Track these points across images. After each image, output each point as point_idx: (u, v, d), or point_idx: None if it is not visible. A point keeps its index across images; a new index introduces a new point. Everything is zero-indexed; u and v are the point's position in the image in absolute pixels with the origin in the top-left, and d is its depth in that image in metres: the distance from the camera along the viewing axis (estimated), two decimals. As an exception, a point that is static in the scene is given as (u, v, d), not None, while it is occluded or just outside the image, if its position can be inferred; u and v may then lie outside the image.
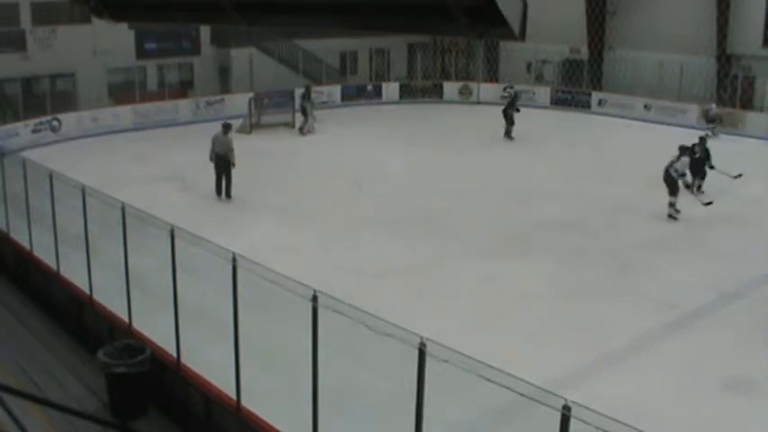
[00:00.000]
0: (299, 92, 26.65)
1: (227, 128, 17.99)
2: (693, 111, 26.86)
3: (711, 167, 17.95)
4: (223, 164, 17.55)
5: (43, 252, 12.41)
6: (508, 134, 24.26)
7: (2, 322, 11.79)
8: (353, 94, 31.17)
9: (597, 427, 4.58)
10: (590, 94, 29.87)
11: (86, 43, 26.12)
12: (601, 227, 15.87)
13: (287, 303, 7.48)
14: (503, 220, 16.26)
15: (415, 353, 6.03)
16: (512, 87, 27.88)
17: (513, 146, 23.73)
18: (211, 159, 17.68)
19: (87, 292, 11.07)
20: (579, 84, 30.71)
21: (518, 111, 24.18)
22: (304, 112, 25.41)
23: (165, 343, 9.24)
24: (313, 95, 26.53)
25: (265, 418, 7.92)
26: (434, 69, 34.12)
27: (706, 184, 17.79)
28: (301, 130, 25.28)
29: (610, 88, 29.84)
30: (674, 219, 16.29)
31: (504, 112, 24.25)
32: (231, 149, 17.59)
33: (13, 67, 25.05)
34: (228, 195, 17.61)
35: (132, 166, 20.87)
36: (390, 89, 31.77)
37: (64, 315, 11.73)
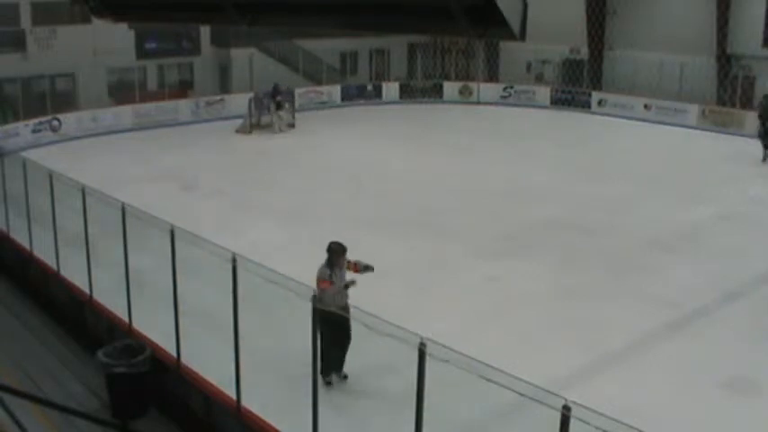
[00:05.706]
0: (298, 92, 26.67)
1: (342, 250, 9.60)
2: (693, 111, 26.85)
3: None
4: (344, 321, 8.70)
5: (43, 252, 12.41)
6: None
7: (2, 322, 11.79)
8: (353, 95, 31.17)
9: (597, 427, 4.57)
10: (590, 94, 29.86)
11: (86, 43, 26.12)
12: (601, 227, 15.86)
13: (287, 303, 7.48)
14: (503, 220, 16.25)
15: (415, 353, 6.03)
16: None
17: (512, 146, 23.71)
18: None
19: (87, 292, 11.07)
20: (579, 84, 30.69)
21: None
22: (279, 106, 25.40)
23: (165, 343, 9.24)
24: (279, 97, 26.08)
25: (265, 418, 7.92)
26: (434, 69, 34.12)
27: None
28: (281, 129, 25.30)
29: (610, 88, 29.82)
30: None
31: (761, 116, 23.24)
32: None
33: (13, 67, 25.07)
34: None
35: (132, 166, 20.87)
36: (390, 89, 31.77)
37: (64, 315, 11.73)
